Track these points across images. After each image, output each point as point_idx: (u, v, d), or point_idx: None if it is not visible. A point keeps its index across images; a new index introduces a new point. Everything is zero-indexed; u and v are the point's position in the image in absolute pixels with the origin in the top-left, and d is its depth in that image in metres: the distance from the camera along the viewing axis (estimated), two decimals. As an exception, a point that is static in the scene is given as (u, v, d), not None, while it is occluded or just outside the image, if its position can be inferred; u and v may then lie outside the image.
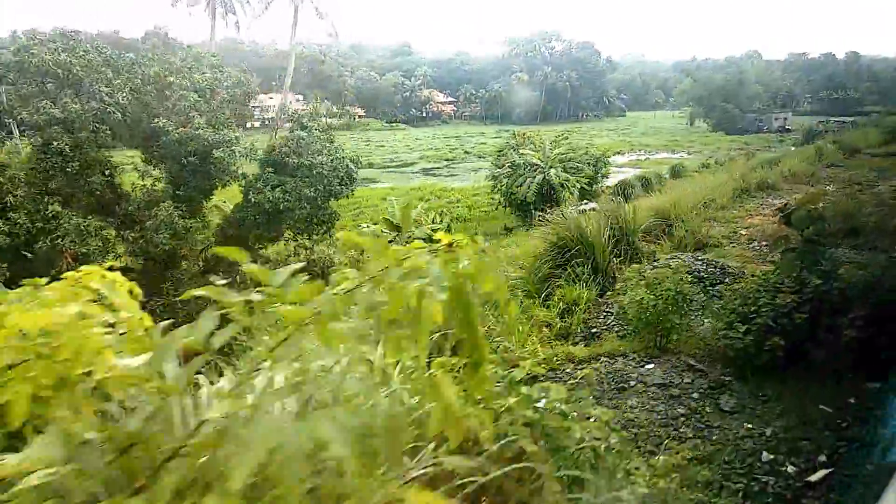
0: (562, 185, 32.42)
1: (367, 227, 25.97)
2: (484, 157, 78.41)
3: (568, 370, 8.19)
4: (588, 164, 39.26)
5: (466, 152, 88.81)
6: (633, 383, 7.68)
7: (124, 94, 21.86)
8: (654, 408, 7.09)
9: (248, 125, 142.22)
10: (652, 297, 8.51)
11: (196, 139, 21.31)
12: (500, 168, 34.72)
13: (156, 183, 23.11)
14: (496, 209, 37.01)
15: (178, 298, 17.40)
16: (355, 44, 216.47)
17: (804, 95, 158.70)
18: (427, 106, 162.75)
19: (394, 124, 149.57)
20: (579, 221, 11.28)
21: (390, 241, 1.48)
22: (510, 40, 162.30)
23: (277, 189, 22.08)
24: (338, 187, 23.22)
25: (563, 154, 34.46)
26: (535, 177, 31.92)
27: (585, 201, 37.36)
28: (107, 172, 21.58)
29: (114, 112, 21.31)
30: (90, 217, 20.26)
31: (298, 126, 24.49)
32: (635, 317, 8.76)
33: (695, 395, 7.34)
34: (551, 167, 32.66)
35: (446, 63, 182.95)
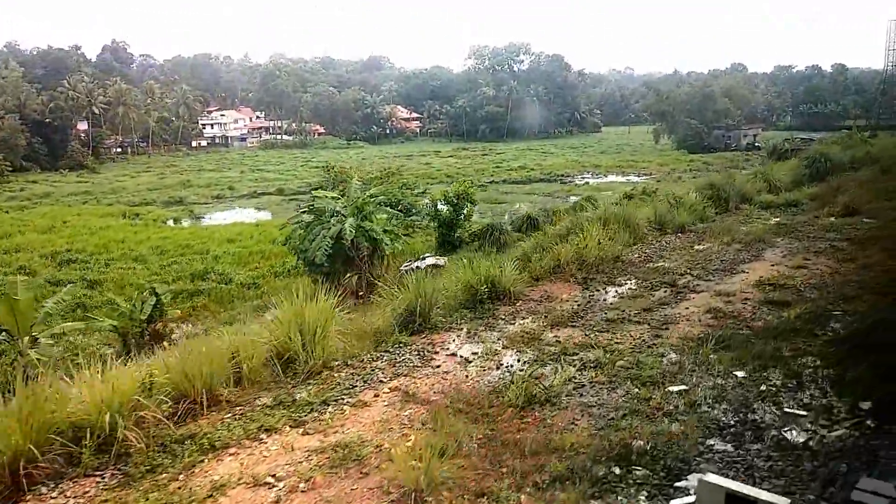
0: (372, 239, 23.70)
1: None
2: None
3: None
4: (450, 201, 30.79)
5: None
6: None
7: None
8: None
9: (195, 144, 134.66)
10: None
11: None
12: (300, 213, 25.93)
13: None
14: (295, 268, 28.34)
15: None
16: (324, 58, 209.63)
17: (786, 109, 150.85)
18: (390, 122, 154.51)
19: (352, 142, 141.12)
20: None
21: None
22: (476, 53, 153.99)
23: None
24: None
25: (378, 196, 25.74)
26: (329, 229, 23.21)
27: (426, 255, 28.79)
28: None
29: None
30: None
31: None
32: None
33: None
34: (359, 213, 23.94)
35: (414, 78, 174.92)
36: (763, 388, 6.74)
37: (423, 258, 27.99)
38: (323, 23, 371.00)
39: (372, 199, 25.15)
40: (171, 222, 51.36)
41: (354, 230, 22.87)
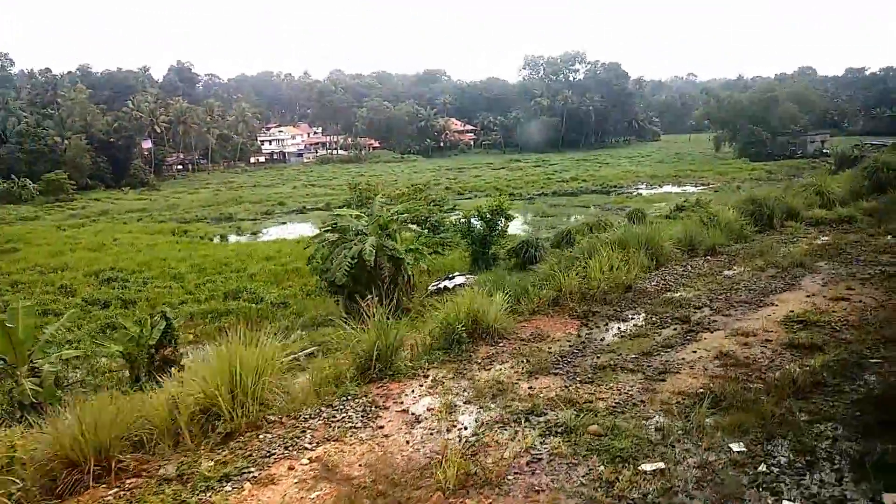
0: (395, 258, 22.82)
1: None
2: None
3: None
4: (483, 217, 29.68)
5: (447, 188, 79.49)
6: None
7: None
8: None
9: (253, 160, 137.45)
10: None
11: None
12: (323, 232, 25.15)
13: None
14: (318, 291, 27.52)
15: None
16: (380, 72, 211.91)
17: (858, 113, 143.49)
18: (444, 135, 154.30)
19: (406, 155, 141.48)
20: None
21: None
22: (531, 63, 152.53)
23: None
24: None
25: (402, 213, 24.80)
26: (350, 248, 22.41)
27: (455, 274, 27.65)
28: None
29: None
30: None
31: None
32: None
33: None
34: (383, 231, 23.09)
35: (469, 90, 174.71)
36: (762, 468, 5.40)
37: (452, 277, 26.96)
38: (380, 38, 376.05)
39: (396, 217, 24.25)
40: (217, 239, 51.89)
41: (375, 249, 22.01)
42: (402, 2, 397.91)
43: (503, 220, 30.10)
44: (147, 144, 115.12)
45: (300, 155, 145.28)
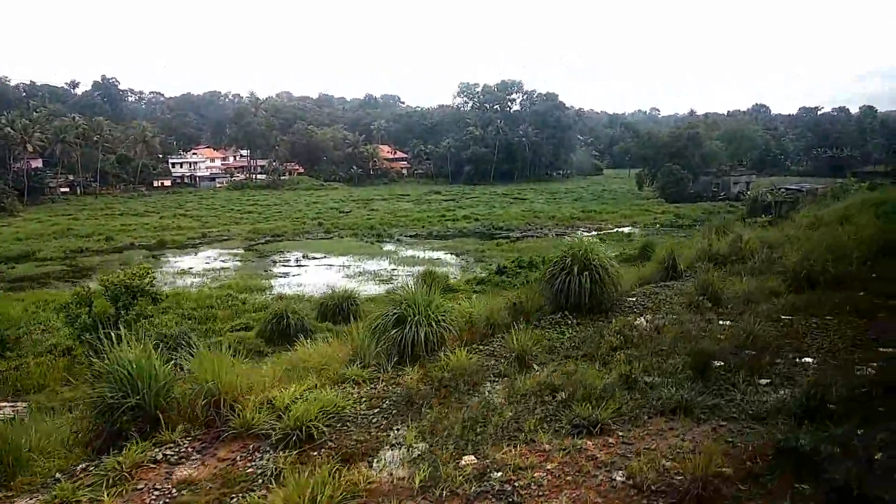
0: None
1: None
2: (310, 233, 59.45)
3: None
4: (115, 294, 19.79)
5: (320, 224, 69.92)
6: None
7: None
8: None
9: (157, 184, 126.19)
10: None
11: None
12: None
13: None
14: None
15: None
16: (321, 96, 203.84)
17: (802, 153, 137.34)
18: (372, 163, 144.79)
19: (328, 183, 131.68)
20: None
21: None
22: (466, 91, 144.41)
23: None
24: None
25: None
26: None
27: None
28: None
29: None
30: None
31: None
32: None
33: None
34: None
35: (406, 117, 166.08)
36: None
37: None
38: (329, 62, 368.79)
39: None
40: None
41: None
42: (371, 24, 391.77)
43: (145, 301, 20.26)
44: (37, 164, 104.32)
45: (213, 179, 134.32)
